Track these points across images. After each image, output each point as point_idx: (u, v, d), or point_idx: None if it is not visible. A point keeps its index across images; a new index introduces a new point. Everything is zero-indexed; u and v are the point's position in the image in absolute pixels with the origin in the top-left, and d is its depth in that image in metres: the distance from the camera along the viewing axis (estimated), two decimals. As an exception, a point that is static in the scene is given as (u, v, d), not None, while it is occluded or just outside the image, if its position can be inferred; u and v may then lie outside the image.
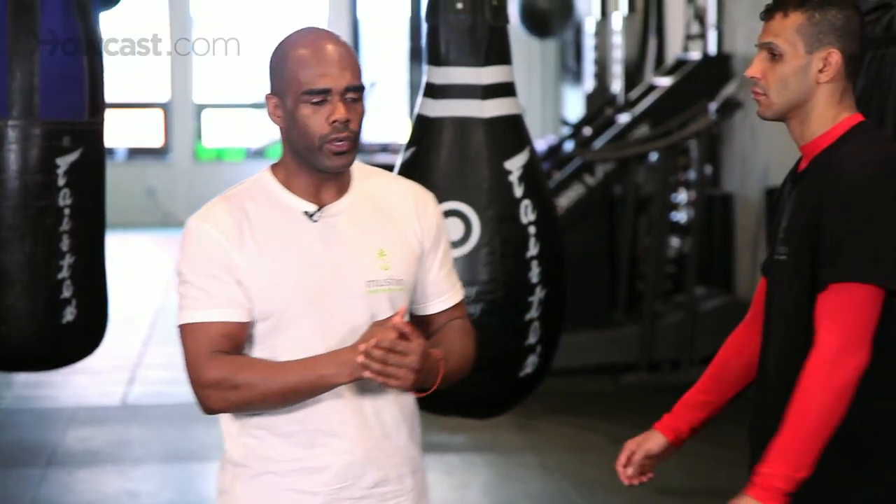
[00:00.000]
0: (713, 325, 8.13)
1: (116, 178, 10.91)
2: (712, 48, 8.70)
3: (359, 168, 2.66)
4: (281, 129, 2.59)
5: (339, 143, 2.53)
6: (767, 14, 2.70)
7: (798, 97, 2.68)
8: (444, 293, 2.72)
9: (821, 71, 2.66)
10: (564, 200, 7.97)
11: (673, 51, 9.71)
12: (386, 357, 2.46)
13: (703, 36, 8.97)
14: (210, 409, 2.55)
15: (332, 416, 2.57)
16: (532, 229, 4.10)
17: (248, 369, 2.51)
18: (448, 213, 4.06)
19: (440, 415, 4.50)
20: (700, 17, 9.03)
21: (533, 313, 4.10)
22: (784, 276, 2.68)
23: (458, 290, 2.76)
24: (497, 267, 4.06)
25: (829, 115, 2.68)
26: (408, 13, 15.95)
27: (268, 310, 2.54)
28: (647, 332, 7.91)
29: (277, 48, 2.60)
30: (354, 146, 2.55)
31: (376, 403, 2.61)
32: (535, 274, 4.10)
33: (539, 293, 4.10)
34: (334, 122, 2.52)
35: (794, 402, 2.56)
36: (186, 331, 2.55)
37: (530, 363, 4.14)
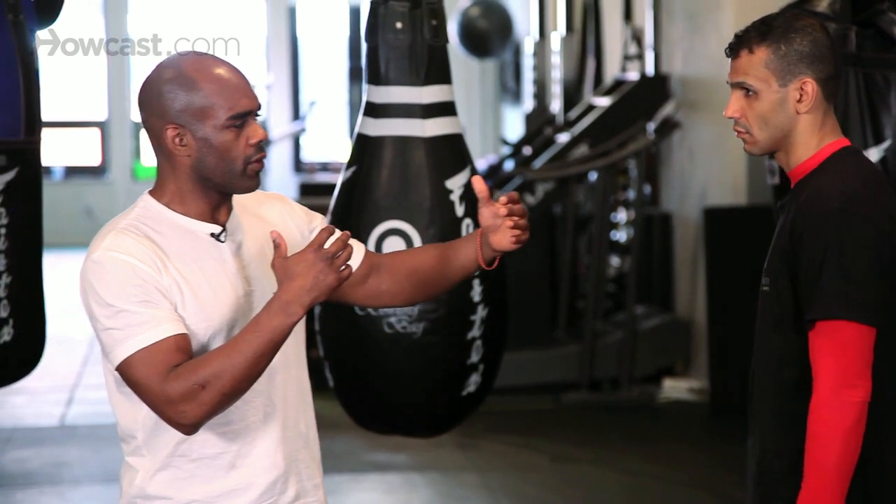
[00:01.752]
0: (653, 344, 8.18)
1: (54, 198, 10.83)
2: (650, 69, 8.75)
3: None
4: (180, 157, 2.51)
5: (260, 163, 2.53)
6: (732, 52, 2.68)
7: (780, 131, 2.67)
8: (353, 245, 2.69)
9: (798, 101, 2.65)
10: (505, 219, 7.96)
11: (611, 71, 9.76)
12: (517, 210, 2.65)
13: (640, 56, 9.02)
14: (190, 424, 2.43)
15: (254, 434, 2.55)
16: (473, 248, 4.09)
17: (206, 363, 2.41)
18: (389, 232, 4.05)
19: (381, 434, 4.49)
20: (637, 37, 9.08)
21: (475, 332, 4.10)
22: (767, 305, 2.68)
23: (357, 242, 2.76)
24: (438, 286, 4.05)
25: (813, 143, 2.68)
26: (347, 32, 15.95)
27: (199, 335, 2.50)
28: (588, 351, 7.93)
29: (170, 74, 2.51)
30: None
31: (296, 413, 2.62)
32: (476, 293, 4.10)
33: (481, 312, 4.10)
34: (257, 143, 2.51)
35: (808, 451, 2.56)
36: (136, 359, 2.42)
37: (472, 382, 4.14)
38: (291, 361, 2.63)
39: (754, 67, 2.65)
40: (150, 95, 2.53)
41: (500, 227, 2.69)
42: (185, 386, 2.40)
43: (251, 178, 2.53)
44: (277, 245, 2.44)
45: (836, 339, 2.54)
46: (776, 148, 2.69)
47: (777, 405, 2.65)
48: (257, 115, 2.54)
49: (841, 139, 2.70)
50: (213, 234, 2.55)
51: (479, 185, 2.69)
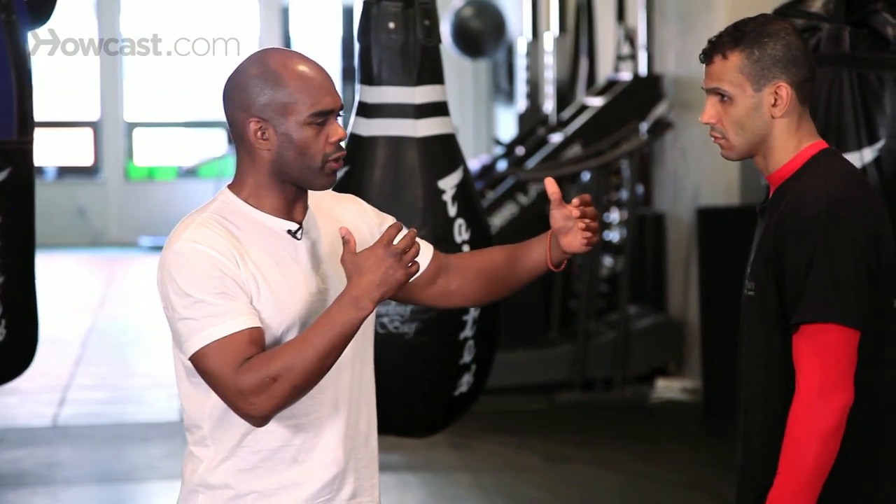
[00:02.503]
0: (646, 344, 8.18)
1: (46, 198, 10.82)
2: (643, 69, 8.76)
3: None
4: (261, 151, 2.54)
5: (338, 162, 2.56)
6: (707, 58, 2.68)
7: (756, 136, 2.67)
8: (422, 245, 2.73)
9: (774, 105, 2.64)
10: (498, 220, 7.98)
11: (604, 71, 9.77)
12: (589, 212, 2.69)
13: (633, 57, 9.02)
14: (260, 416, 2.45)
15: (318, 429, 2.57)
16: (466, 248, 4.09)
17: (278, 356, 2.44)
18: (382, 232, 4.05)
19: (374, 434, 4.48)
20: (630, 38, 9.08)
21: (467, 332, 4.10)
22: (752, 310, 2.68)
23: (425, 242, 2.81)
24: (431, 286, 4.05)
25: (790, 146, 2.67)
26: (340, 32, 15.94)
27: (273, 329, 2.52)
28: (581, 351, 7.93)
29: (257, 70, 2.54)
30: None
31: (358, 411, 2.63)
32: (469, 293, 4.09)
33: (473, 312, 4.10)
34: (336, 141, 2.54)
35: (784, 450, 2.55)
36: (211, 350, 2.45)
37: (465, 382, 4.14)
38: (358, 358, 2.65)
39: (728, 73, 2.65)
40: (235, 88, 2.56)
41: (571, 228, 2.73)
42: (257, 378, 2.42)
43: (328, 176, 2.56)
44: (346, 241, 2.47)
45: (820, 342, 2.54)
46: (753, 152, 2.69)
47: (764, 411, 2.65)
48: (339, 115, 2.57)
49: (819, 141, 2.69)
50: (289, 231, 2.58)
51: (552, 188, 2.72)
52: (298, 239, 2.58)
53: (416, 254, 2.47)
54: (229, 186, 2.61)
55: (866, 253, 2.56)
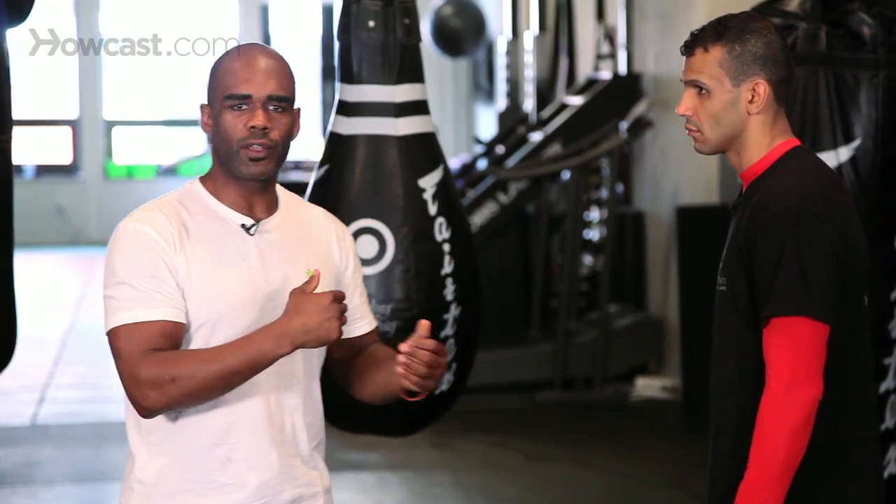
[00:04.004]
0: (626, 343, 8.20)
1: (25, 196, 10.78)
2: (622, 68, 8.77)
3: (283, 192, 2.70)
4: (210, 138, 2.62)
5: (255, 149, 2.56)
6: (688, 50, 2.69)
7: (731, 130, 2.68)
8: (365, 316, 2.78)
9: (750, 102, 2.65)
10: (478, 218, 7.99)
11: (584, 70, 9.78)
12: (432, 359, 2.52)
13: (613, 56, 9.04)
14: (148, 409, 2.50)
15: (249, 431, 2.57)
16: (446, 247, 4.10)
17: (185, 360, 2.48)
18: (362, 231, 4.06)
19: (354, 433, 4.49)
20: (610, 37, 9.10)
21: (448, 331, 4.11)
22: (724, 305, 2.69)
23: (373, 317, 2.82)
24: (412, 285, 4.07)
25: (764, 143, 2.68)
26: (320, 31, 15.93)
27: (201, 318, 2.54)
28: (561, 350, 7.94)
29: (215, 61, 2.64)
30: (273, 155, 2.58)
31: (292, 418, 2.63)
32: (449, 291, 4.10)
33: (454, 311, 4.11)
34: (252, 127, 2.55)
35: (755, 443, 2.56)
36: (121, 332, 2.51)
37: (445, 381, 4.15)
38: (306, 371, 2.65)
39: (709, 66, 2.66)
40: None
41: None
42: (157, 373, 2.47)
43: (245, 164, 2.57)
44: (311, 279, 2.49)
45: (791, 335, 2.55)
46: (726, 148, 2.70)
47: (736, 406, 2.66)
48: (280, 107, 2.57)
49: (792, 139, 2.71)
50: (243, 226, 2.60)
51: (423, 329, 2.59)
52: (251, 234, 2.59)
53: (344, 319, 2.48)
54: (200, 177, 2.66)
55: (836, 248, 2.58)
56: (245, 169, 2.57)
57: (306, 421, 2.65)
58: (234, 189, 2.61)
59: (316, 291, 2.49)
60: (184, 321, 2.53)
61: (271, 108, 2.57)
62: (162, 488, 2.57)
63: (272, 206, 2.65)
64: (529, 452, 6.92)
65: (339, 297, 2.48)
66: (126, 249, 2.53)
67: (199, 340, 2.55)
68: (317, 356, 2.67)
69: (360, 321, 2.77)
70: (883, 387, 3.97)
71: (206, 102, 2.62)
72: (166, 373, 2.46)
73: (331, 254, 2.70)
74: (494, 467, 6.65)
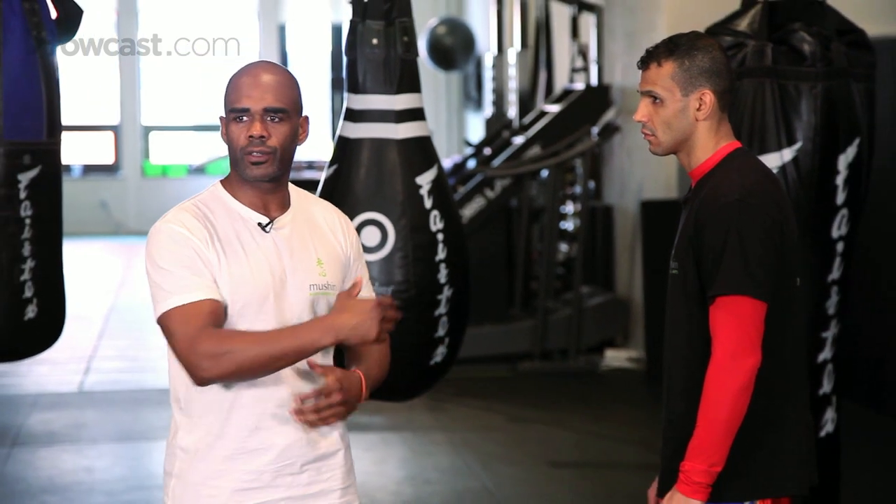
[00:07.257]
0: (597, 319, 8.20)
1: (72, 192, 10.77)
2: (594, 80, 8.76)
3: (295, 191, 2.68)
4: (227, 145, 2.61)
5: (255, 155, 2.55)
6: (644, 64, 2.71)
7: (682, 135, 2.69)
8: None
9: (698, 109, 2.67)
10: (468, 211, 7.98)
11: (560, 81, 9.77)
12: (317, 407, 2.50)
13: (586, 69, 9.03)
14: (204, 378, 2.46)
15: (276, 404, 2.55)
16: (440, 236, 4.10)
17: (240, 337, 2.46)
18: (366, 223, 4.05)
19: (360, 398, 4.48)
20: (583, 52, 9.09)
21: (441, 310, 4.10)
22: (675, 286, 2.69)
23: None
24: (410, 269, 4.06)
25: (710, 145, 2.69)
26: (330, 47, 15.91)
27: (228, 309, 2.52)
28: (540, 325, 7.95)
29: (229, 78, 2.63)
30: (273, 159, 2.56)
31: (314, 386, 2.60)
32: (443, 275, 4.10)
33: (447, 292, 4.10)
34: (250, 136, 2.54)
35: (702, 406, 2.57)
36: (174, 314, 2.47)
37: (439, 353, 4.14)
38: (322, 353, 2.61)
39: (661, 79, 2.67)
40: None
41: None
42: (215, 345, 2.44)
43: (247, 167, 2.56)
44: (354, 284, 2.53)
45: (734, 311, 2.56)
46: (677, 149, 2.72)
47: (686, 375, 2.66)
48: (277, 118, 2.55)
49: (734, 142, 2.72)
50: (259, 224, 2.58)
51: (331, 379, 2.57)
52: (267, 232, 2.58)
53: (391, 328, 2.50)
54: (221, 180, 2.65)
55: (773, 236, 2.60)
56: (249, 172, 2.56)
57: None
58: (249, 190, 2.59)
59: (325, 275, 2.49)
60: (224, 302, 2.51)
61: (269, 118, 2.55)
62: (200, 454, 2.56)
63: (285, 204, 2.63)
64: (512, 415, 6.92)
65: (384, 305, 2.47)
66: (164, 246, 2.51)
67: (226, 327, 2.52)
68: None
69: None
70: (821, 357, 3.97)
71: (223, 115, 2.62)
72: (224, 346, 2.43)
73: (337, 243, 2.68)
74: (482, 428, 6.65)
